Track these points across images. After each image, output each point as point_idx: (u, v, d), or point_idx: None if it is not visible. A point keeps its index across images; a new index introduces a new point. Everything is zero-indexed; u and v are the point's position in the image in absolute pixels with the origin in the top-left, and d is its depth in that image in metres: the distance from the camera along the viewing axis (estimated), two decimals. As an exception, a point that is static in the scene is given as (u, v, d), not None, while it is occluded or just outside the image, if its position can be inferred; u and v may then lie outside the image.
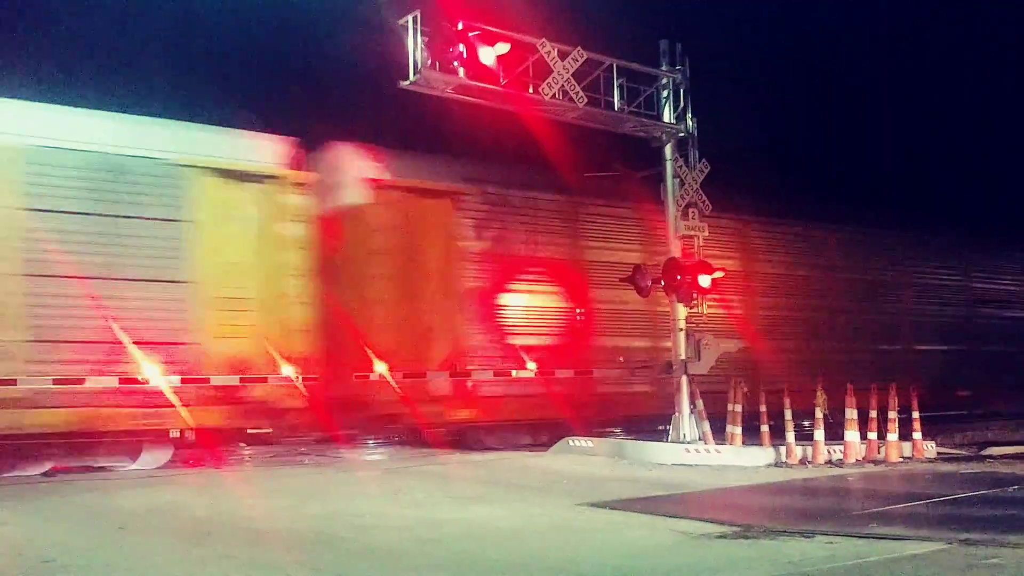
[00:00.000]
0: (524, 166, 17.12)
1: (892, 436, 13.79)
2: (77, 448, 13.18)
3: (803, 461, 13.50)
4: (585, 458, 14.66)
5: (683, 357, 14.79)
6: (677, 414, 14.71)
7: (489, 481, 12.54)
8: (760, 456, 13.72)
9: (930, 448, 14.42)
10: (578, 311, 17.70)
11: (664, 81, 15.31)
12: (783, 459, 13.56)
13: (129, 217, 13.55)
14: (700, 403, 14.68)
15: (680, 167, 15.24)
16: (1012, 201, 32.23)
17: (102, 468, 13.37)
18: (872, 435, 13.74)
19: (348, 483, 12.51)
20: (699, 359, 14.73)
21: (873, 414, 13.75)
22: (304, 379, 14.36)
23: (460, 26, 12.86)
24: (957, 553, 7.25)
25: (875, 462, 13.56)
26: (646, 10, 23.85)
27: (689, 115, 15.34)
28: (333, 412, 14.86)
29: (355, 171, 15.82)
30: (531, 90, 13.75)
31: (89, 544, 8.07)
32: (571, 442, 15.44)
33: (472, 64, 12.94)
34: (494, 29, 13.15)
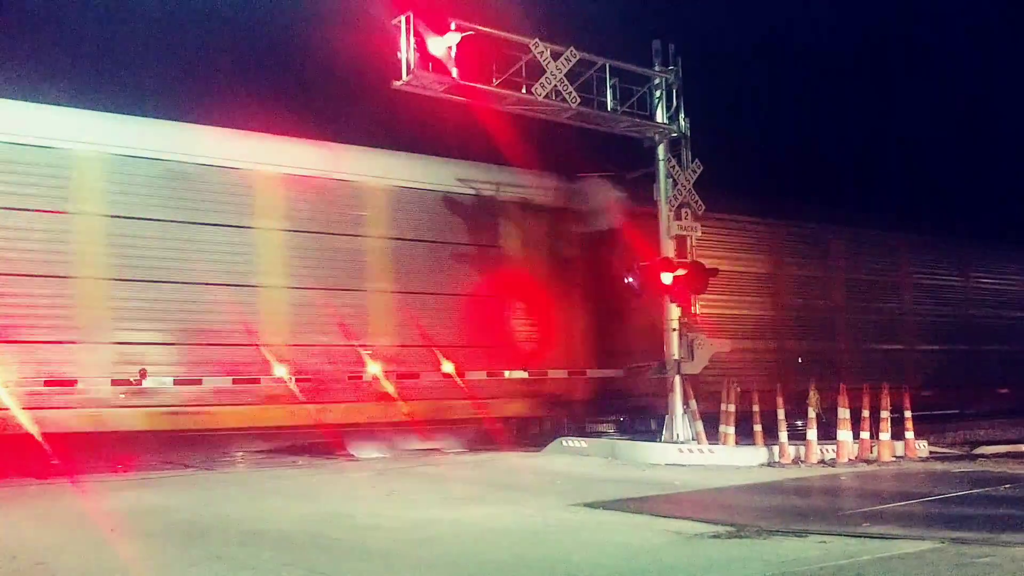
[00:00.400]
0: (733, 193, 19.71)
1: (884, 435, 13.82)
2: (419, 434, 15.89)
3: (796, 460, 13.53)
4: (579, 458, 14.67)
5: (676, 357, 14.80)
6: (670, 414, 14.72)
7: (482, 482, 12.53)
8: (753, 456, 13.75)
9: (922, 447, 14.46)
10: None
11: (657, 81, 15.32)
12: (776, 459, 13.59)
13: (461, 244, 16.85)
14: (693, 403, 14.70)
15: (673, 167, 15.26)
16: (1012, 201, 32.35)
17: (436, 450, 16.02)
18: (865, 434, 13.76)
19: (341, 484, 12.50)
20: (692, 359, 14.74)
21: (866, 413, 13.79)
22: (584, 375, 17.55)
23: (453, 26, 12.85)
24: (949, 552, 7.27)
25: (868, 461, 13.59)
26: (639, 10, 23.88)
27: (682, 115, 15.36)
28: (604, 402, 17.80)
29: (605, 199, 18.70)
30: (524, 90, 13.76)
31: (81, 547, 8.04)
32: (565, 442, 15.45)
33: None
34: (487, 29, 13.15)
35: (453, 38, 12.94)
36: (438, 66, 12.92)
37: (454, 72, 13.00)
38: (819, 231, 22.09)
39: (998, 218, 28.95)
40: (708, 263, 16.36)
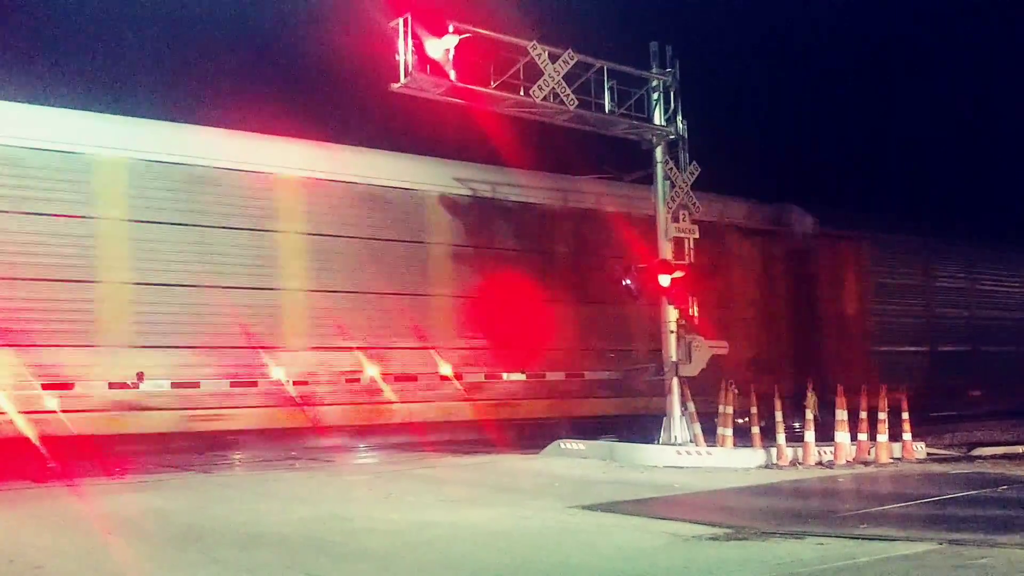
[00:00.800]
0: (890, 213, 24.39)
1: (882, 437, 13.81)
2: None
3: (794, 462, 13.52)
4: (577, 460, 14.66)
5: (674, 359, 14.80)
6: (668, 416, 14.72)
7: (480, 484, 12.52)
8: (751, 458, 13.74)
9: (920, 449, 14.45)
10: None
11: (654, 83, 15.33)
12: (774, 461, 13.58)
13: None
14: (691, 405, 14.69)
15: (671, 169, 15.25)
16: (1010, 201, 32.51)
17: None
18: (862, 436, 13.76)
19: (339, 487, 12.49)
20: (690, 361, 14.74)
21: (863, 415, 13.79)
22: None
23: (451, 28, 12.86)
24: (947, 553, 7.28)
25: (865, 463, 13.58)
26: (636, 12, 23.92)
27: (679, 117, 15.36)
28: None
29: (800, 223, 22.27)
30: (522, 92, 13.75)
31: (79, 550, 8.04)
32: (563, 444, 15.43)
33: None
34: (485, 32, 13.16)
35: (451, 40, 12.92)
36: (436, 68, 12.91)
37: (452, 75, 12.99)
38: (965, 249, 25.70)
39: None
40: (885, 279, 21.21)
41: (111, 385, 14.16)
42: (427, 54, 12.78)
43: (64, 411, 13.59)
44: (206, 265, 14.98)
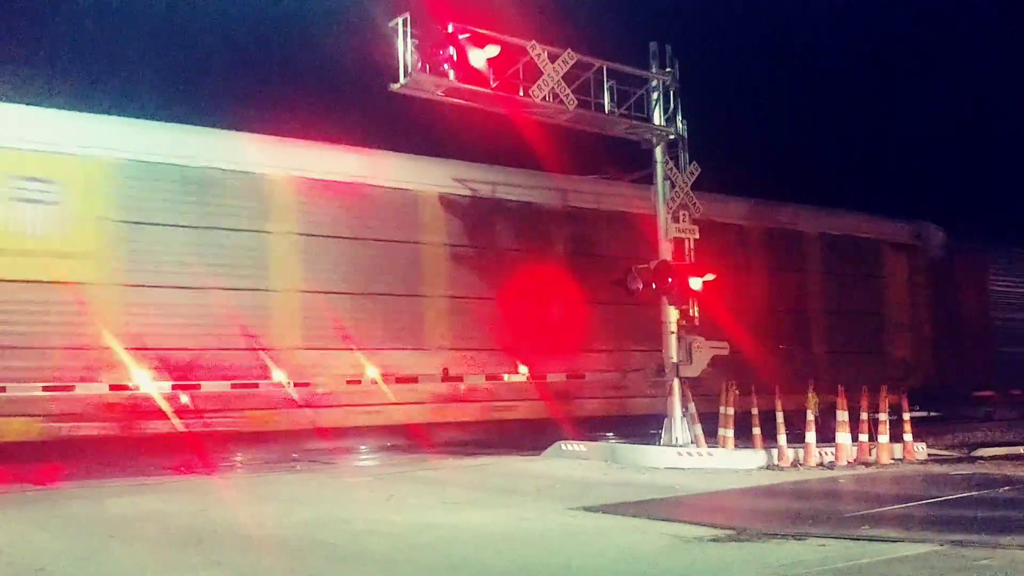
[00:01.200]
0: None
1: (883, 438, 13.79)
2: None
3: (795, 463, 13.51)
4: (578, 462, 14.64)
5: (675, 360, 14.78)
6: (669, 417, 14.70)
7: (481, 486, 12.51)
8: (752, 459, 13.72)
9: (921, 450, 14.43)
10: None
11: (654, 83, 15.30)
12: (775, 462, 13.56)
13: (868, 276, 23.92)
14: (692, 406, 14.67)
15: (671, 169, 15.23)
16: (1010, 201, 32.57)
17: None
18: (863, 437, 13.75)
19: (339, 489, 12.47)
20: (691, 362, 14.72)
21: (864, 416, 13.77)
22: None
23: (450, 28, 12.86)
24: (949, 555, 7.27)
25: (866, 464, 13.56)
26: (636, 12, 23.91)
27: (679, 117, 15.33)
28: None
29: (934, 238, 25.17)
30: (521, 92, 13.73)
31: (79, 552, 8.02)
32: (564, 446, 15.41)
33: (462, 67, 12.91)
34: (484, 31, 13.13)
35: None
36: (434, 69, 12.93)
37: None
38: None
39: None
40: (1003, 287, 24.66)
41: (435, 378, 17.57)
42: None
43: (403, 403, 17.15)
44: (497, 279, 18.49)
